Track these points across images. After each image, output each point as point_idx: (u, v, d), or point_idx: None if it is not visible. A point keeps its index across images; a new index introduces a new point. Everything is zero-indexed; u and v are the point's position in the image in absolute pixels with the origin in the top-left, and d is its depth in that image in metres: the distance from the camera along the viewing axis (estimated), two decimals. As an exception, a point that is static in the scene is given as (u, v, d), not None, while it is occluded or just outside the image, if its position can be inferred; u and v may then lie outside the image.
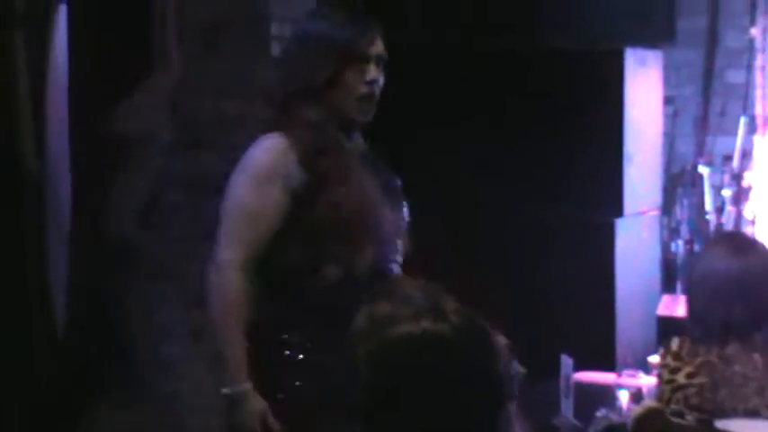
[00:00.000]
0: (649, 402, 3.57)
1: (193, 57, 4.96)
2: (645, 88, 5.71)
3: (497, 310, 2.99)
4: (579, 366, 4.49)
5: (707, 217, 5.97)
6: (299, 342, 3.08)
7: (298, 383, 3.06)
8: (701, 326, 3.42)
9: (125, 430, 4.93)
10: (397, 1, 5.85)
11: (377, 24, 3.22)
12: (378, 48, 3.19)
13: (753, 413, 3.27)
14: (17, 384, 4.77)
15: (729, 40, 6.50)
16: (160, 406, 4.95)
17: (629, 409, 4.08)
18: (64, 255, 4.87)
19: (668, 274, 6.05)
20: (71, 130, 4.98)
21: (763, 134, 5.85)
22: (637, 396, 4.26)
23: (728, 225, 5.82)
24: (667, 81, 6.12)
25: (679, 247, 6.06)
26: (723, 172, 6.00)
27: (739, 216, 5.80)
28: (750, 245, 3.55)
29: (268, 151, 3.11)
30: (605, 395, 4.40)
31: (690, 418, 3.31)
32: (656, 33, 6.00)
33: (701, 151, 6.41)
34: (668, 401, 3.37)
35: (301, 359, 3.06)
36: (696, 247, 5.90)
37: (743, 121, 5.89)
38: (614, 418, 4.11)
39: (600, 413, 4.19)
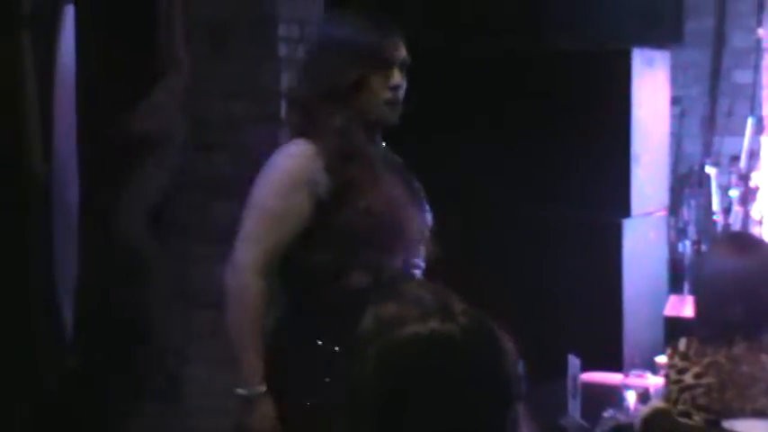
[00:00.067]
0: (656, 403, 3.56)
1: (200, 58, 4.97)
2: (652, 89, 5.71)
3: (505, 311, 2.99)
4: (586, 367, 4.49)
5: (714, 217, 5.98)
6: (326, 347, 3.06)
7: (324, 389, 3.04)
8: (707, 326, 3.41)
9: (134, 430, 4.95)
10: (403, 4, 5.85)
11: (399, 29, 3.22)
12: (401, 53, 3.20)
13: (760, 413, 3.27)
14: (22, 385, 4.78)
15: (736, 40, 6.51)
16: (168, 406, 4.96)
17: (636, 409, 4.08)
18: (72, 256, 4.88)
19: (675, 274, 6.05)
20: (78, 130, 4.99)
21: (771, 135, 5.87)
22: (644, 396, 4.26)
23: (736, 225, 5.83)
24: (674, 81, 6.13)
25: (686, 247, 6.06)
26: (730, 172, 6.01)
27: (747, 216, 5.81)
28: (754, 244, 3.54)
29: (294, 158, 3.09)
30: (612, 395, 4.40)
31: (697, 419, 3.31)
32: (664, 34, 6.02)
33: (708, 151, 6.42)
34: (675, 402, 3.36)
35: (328, 364, 3.05)
36: (703, 248, 5.91)
37: (750, 121, 5.90)
38: (621, 418, 4.12)
39: (607, 413, 4.19)
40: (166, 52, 4.97)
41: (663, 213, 5.98)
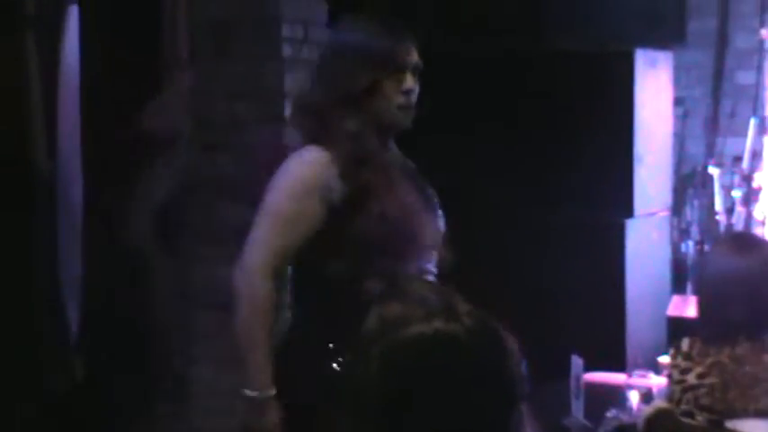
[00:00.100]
0: (659, 403, 3.55)
1: (204, 58, 4.98)
2: (655, 89, 5.71)
3: (508, 311, 3.00)
4: (589, 367, 4.50)
5: (717, 218, 5.99)
6: (339, 354, 3.06)
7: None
8: (709, 326, 3.41)
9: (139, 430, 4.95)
10: (408, 5, 5.86)
11: (411, 34, 3.23)
12: (414, 57, 3.20)
13: (763, 413, 3.26)
14: (25, 385, 4.80)
15: (739, 41, 6.53)
16: (173, 407, 4.97)
17: (639, 409, 4.08)
18: (76, 255, 4.89)
19: (678, 274, 6.06)
20: (82, 130, 5.00)
21: (773, 135, 5.87)
22: (647, 396, 4.26)
23: (738, 226, 5.83)
24: (677, 82, 6.14)
25: (689, 247, 6.07)
26: (733, 173, 6.01)
27: (749, 217, 5.81)
28: (757, 244, 3.53)
29: (308, 164, 3.08)
30: (615, 396, 4.41)
31: (700, 419, 3.31)
32: (667, 35, 6.02)
33: (711, 152, 6.44)
34: (678, 402, 3.36)
35: (341, 371, 3.05)
36: (706, 248, 5.91)
37: (753, 122, 5.90)
38: (624, 418, 4.12)
39: (610, 413, 4.20)
40: (170, 52, 4.98)
41: (666, 214, 5.98)
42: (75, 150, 5.00)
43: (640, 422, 3.50)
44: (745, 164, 5.88)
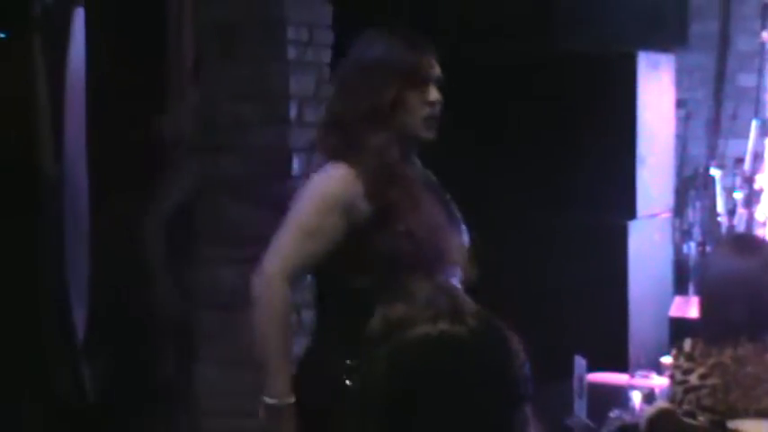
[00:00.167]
0: (662, 403, 3.56)
1: (210, 60, 4.99)
2: (657, 91, 5.73)
3: (511, 312, 3.02)
4: (592, 367, 4.52)
5: (719, 219, 5.98)
6: (355, 371, 3.03)
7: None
8: (711, 327, 3.42)
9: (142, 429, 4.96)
10: (412, 9, 5.88)
11: (432, 47, 3.24)
12: (437, 69, 3.22)
13: (764, 414, 3.27)
14: (32, 385, 4.81)
15: (741, 43, 6.53)
16: (177, 406, 4.98)
17: (641, 409, 4.10)
18: (82, 256, 4.90)
19: (680, 275, 6.07)
20: (88, 132, 5.02)
21: (775, 137, 5.87)
22: (649, 397, 4.28)
23: (740, 227, 5.83)
24: (679, 84, 6.15)
25: (691, 248, 6.07)
26: (735, 174, 6.01)
27: (751, 218, 5.81)
28: (758, 246, 3.55)
29: (334, 180, 3.08)
30: (618, 396, 4.43)
31: (702, 419, 3.31)
32: (669, 37, 6.03)
33: (712, 154, 6.44)
34: (680, 402, 3.37)
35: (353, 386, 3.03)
36: (708, 249, 5.92)
37: (754, 124, 5.90)
38: (627, 418, 4.14)
39: (613, 414, 4.21)
40: (176, 55, 4.99)
41: (668, 215, 6.00)
42: (81, 153, 5.01)
43: (643, 422, 3.50)
44: (746, 166, 5.87)
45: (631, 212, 5.53)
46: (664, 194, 5.91)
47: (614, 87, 5.50)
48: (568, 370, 4.36)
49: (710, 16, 6.57)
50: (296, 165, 4.91)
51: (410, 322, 1.86)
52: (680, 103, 6.27)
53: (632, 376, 4.58)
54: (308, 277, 3.21)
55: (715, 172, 6.08)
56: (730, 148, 6.36)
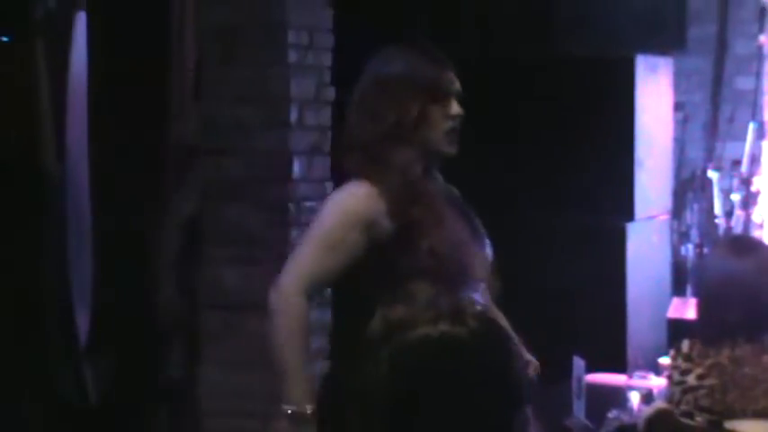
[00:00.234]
0: (660, 403, 3.56)
1: (211, 63, 5.01)
2: (655, 95, 5.76)
3: (510, 313, 3.05)
4: (591, 368, 4.54)
5: (716, 221, 6.00)
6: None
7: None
8: (708, 328, 3.42)
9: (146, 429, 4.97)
10: (413, 12, 5.90)
11: (450, 61, 3.23)
12: (456, 84, 3.21)
13: (762, 414, 3.28)
14: (35, 385, 4.82)
15: (738, 47, 6.54)
16: (180, 407, 4.99)
17: (639, 410, 4.13)
18: (86, 256, 4.91)
19: (678, 277, 6.08)
20: (90, 134, 5.02)
21: (772, 140, 5.89)
22: (647, 397, 4.31)
23: (737, 229, 5.86)
24: (677, 87, 6.18)
25: (689, 250, 6.09)
26: (732, 177, 6.03)
27: (748, 220, 5.83)
28: (754, 247, 3.56)
29: (356, 197, 3.07)
30: (617, 396, 4.45)
31: (700, 420, 3.32)
32: (667, 41, 6.05)
33: (710, 156, 6.45)
34: (678, 403, 3.37)
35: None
36: (706, 251, 5.93)
37: (751, 126, 5.92)
38: (625, 418, 4.16)
39: (611, 414, 4.24)
40: (178, 58, 5.00)
41: (666, 217, 6.02)
42: (82, 154, 5.01)
43: (641, 423, 3.50)
44: (743, 168, 5.89)
45: (630, 214, 5.55)
46: (662, 197, 5.93)
47: (613, 90, 5.52)
48: (567, 371, 4.38)
49: (708, 20, 6.58)
50: (296, 167, 4.93)
51: (411, 323, 1.89)
52: (678, 106, 6.30)
53: (630, 377, 4.61)
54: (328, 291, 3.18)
55: (712, 174, 6.10)
56: (728, 150, 6.37)
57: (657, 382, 4.41)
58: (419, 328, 1.89)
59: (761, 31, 5.92)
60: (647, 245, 5.74)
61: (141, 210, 5.03)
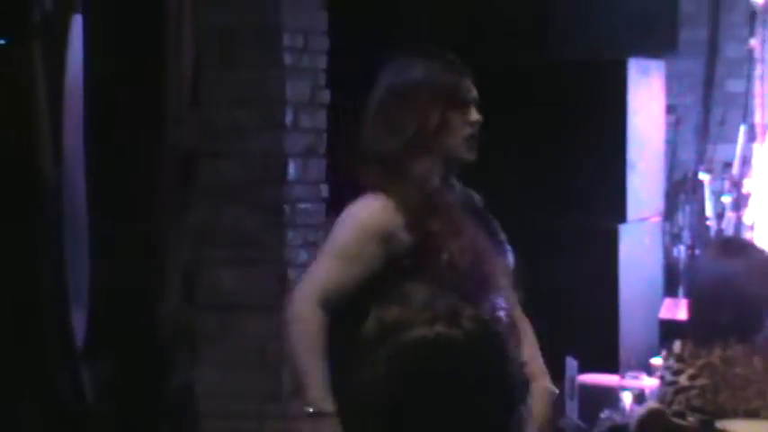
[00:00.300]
0: (652, 404, 3.56)
1: (207, 65, 5.02)
2: (647, 97, 5.78)
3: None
4: (584, 368, 4.57)
5: (708, 223, 6.01)
6: None
7: None
8: (699, 328, 3.43)
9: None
10: (408, 16, 5.92)
11: (467, 68, 3.21)
12: (474, 90, 3.20)
13: (753, 414, 3.29)
14: (31, 385, 4.82)
15: (729, 50, 6.56)
16: (176, 407, 5.00)
17: (632, 410, 4.15)
18: (83, 257, 4.92)
19: (670, 278, 6.09)
20: (86, 136, 5.04)
21: (763, 142, 5.87)
22: (640, 397, 4.33)
23: (729, 231, 5.86)
24: (669, 90, 6.20)
25: (681, 252, 6.10)
26: (723, 179, 6.03)
27: (739, 222, 5.83)
28: (744, 248, 3.58)
29: (374, 210, 3.05)
30: (609, 397, 4.48)
31: (692, 420, 3.32)
32: (659, 44, 6.07)
33: (701, 159, 6.47)
34: (670, 403, 3.37)
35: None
36: (697, 252, 5.95)
37: (742, 129, 5.91)
38: (618, 419, 4.18)
39: (604, 414, 4.26)
40: (174, 60, 5.01)
41: (658, 219, 6.05)
42: (79, 157, 5.02)
43: (633, 423, 3.49)
44: (735, 170, 5.88)
45: (622, 216, 5.57)
46: (654, 198, 5.96)
47: (605, 93, 5.55)
48: (560, 371, 4.40)
49: (700, 23, 6.60)
50: (292, 169, 4.95)
51: (406, 325, 1.87)
52: (669, 109, 6.31)
53: (623, 377, 4.64)
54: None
55: (704, 176, 6.10)
56: (719, 152, 6.39)
57: (649, 383, 4.43)
58: (415, 330, 1.89)
59: (751, 34, 5.92)
60: (640, 246, 5.76)
61: (139, 212, 5.03)
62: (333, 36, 5.11)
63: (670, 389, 3.40)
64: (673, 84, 6.35)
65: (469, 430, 1.83)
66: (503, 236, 3.31)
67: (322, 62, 5.09)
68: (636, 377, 4.60)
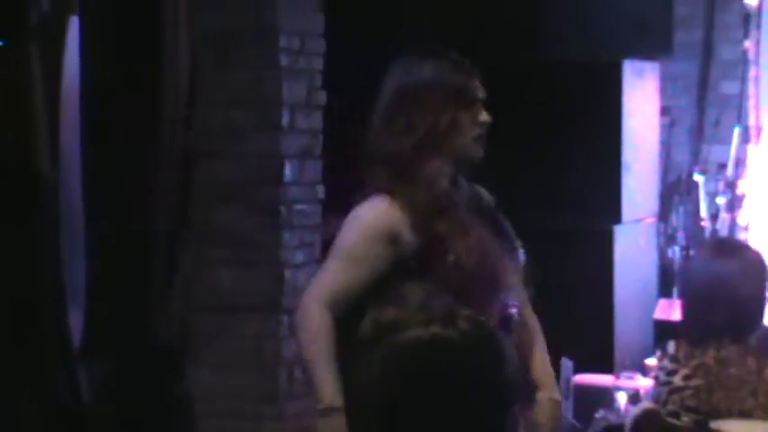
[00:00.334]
0: (646, 404, 3.56)
1: (204, 67, 5.03)
2: (642, 99, 5.80)
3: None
4: (579, 369, 4.58)
5: (702, 223, 6.02)
6: None
7: None
8: (693, 328, 3.43)
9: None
10: (403, 17, 5.93)
11: (475, 67, 3.20)
12: (483, 91, 3.19)
13: (747, 415, 3.29)
14: (29, 386, 4.83)
15: (724, 52, 6.58)
16: (173, 408, 5.01)
17: (626, 410, 4.16)
18: (79, 257, 4.93)
19: (665, 279, 6.10)
20: (82, 139, 5.04)
21: (756, 143, 5.91)
22: (634, 398, 4.34)
23: (723, 231, 5.87)
24: (664, 92, 6.22)
25: (675, 252, 6.11)
26: (718, 180, 6.05)
27: (733, 223, 5.85)
28: (737, 249, 3.58)
29: (380, 213, 3.04)
30: (604, 397, 4.49)
31: (686, 420, 3.32)
32: (654, 46, 6.08)
33: (696, 160, 6.49)
34: (665, 403, 3.37)
35: None
36: (692, 253, 5.95)
37: (737, 130, 5.94)
38: (612, 419, 4.20)
39: (599, 414, 4.28)
40: (171, 62, 5.02)
41: (653, 220, 6.07)
42: (75, 158, 5.03)
43: (628, 423, 3.49)
44: (729, 171, 5.90)
45: (617, 217, 5.59)
46: (648, 200, 5.98)
47: (600, 95, 5.56)
48: (555, 371, 4.41)
49: (694, 25, 6.62)
50: (288, 170, 4.97)
51: (402, 325, 1.87)
52: (664, 111, 6.33)
53: (618, 377, 4.65)
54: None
55: (698, 177, 6.11)
56: (713, 154, 6.42)
57: (644, 383, 4.44)
58: (410, 331, 1.89)
59: (746, 36, 5.94)
60: (635, 247, 5.78)
61: (135, 213, 5.04)
62: (329, 38, 5.13)
63: (664, 389, 3.39)
64: (667, 85, 6.38)
65: (465, 430, 1.84)
66: (512, 233, 3.29)
67: (318, 64, 5.11)
68: (631, 377, 4.62)
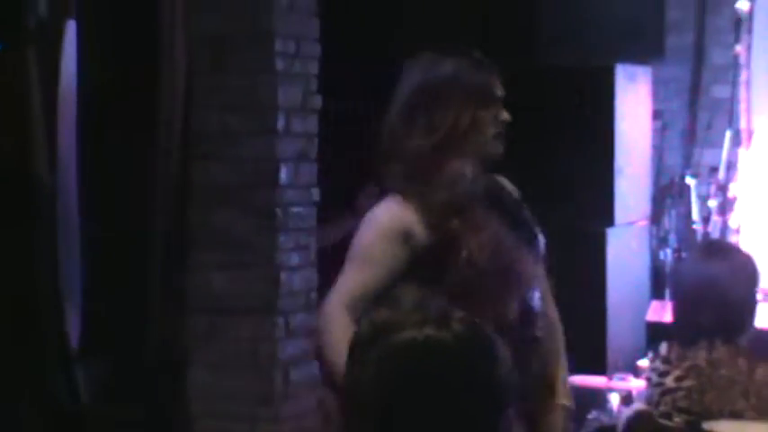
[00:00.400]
0: (639, 405, 3.62)
1: (200, 71, 5.04)
2: (634, 103, 5.83)
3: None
4: (571, 370, 4.59)
5: (694, 226, 6.03)
6: None
7: None
8: (683, 330, 3.45)
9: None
10: (397, 22, 5.95)
11: (495, 65, 3.18)
12: (501, 88, 3.20)
13: (738, 415, 3.31)
14: (28, 387, 4.84)
15: (715, 56, 6.59)
16: (170, 409, 5.02)
17: (619, 411, 4.18)
18: (75, 259, 4.94)
19: (657, 281, 6.11)
20: (79, 141, 5.05)
21: (748, 147, 5.93)
22: (627, 399, 4.37)
23: (715, 234, 5.89)
24: (656, 96, 6.24)
25: (667, 255, 6.11)
26: (709, 183, 6.07)
27: (725, 225, 5.87)
28: (727, 251, 3.62)
29: (392, 213, 3.05)
30: (597, 398, 4.51)
31: (678, 420, 3.34)
32: (646, 50, 6.10)
33: (688, 163, 6.49)
34: (657, 404, 3.40)
35: None
36: (684, 256, 5.98)
37: (728, 134, 5.96)
38: (605, 420, 4.22)
39: (591, 415, 4.29)
40: (167, 65, 5.03)
41: (645, 223, 6.09)
42: (72, 162, 5.04)
43: (620, 424, 3.53)
44: (720, 174, 5.92)
45: (609, 220, 5.61)
46: (641, 203, 6.00)
47: (593, 99, 5.58)
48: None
49: (686, 30, 6.62)
50: (283, 174, 4.97)
51: (396, 326, 1.88)
52: (656, 114, 6.35)
53: (610, 379, 4.67)
54: None
55: (690, 181, 6.12)
56: (705, 157, 6.42)
57: (636, 384, 4.45)
58: (405, 332, 1.91)
59: (737, 40, 5.96)
60: (627, 250, 5.80)
61: (131, 216, 5.06)
62: (324, 42, 5.14)
63: (657, 390, 3.42)
64: (659, 89, 6.40)
65: (459, 432, 1.84)
66: (533, 223, 3.30)
67: (314, 68, 5.11)
68: (623, 379, 4.63)
